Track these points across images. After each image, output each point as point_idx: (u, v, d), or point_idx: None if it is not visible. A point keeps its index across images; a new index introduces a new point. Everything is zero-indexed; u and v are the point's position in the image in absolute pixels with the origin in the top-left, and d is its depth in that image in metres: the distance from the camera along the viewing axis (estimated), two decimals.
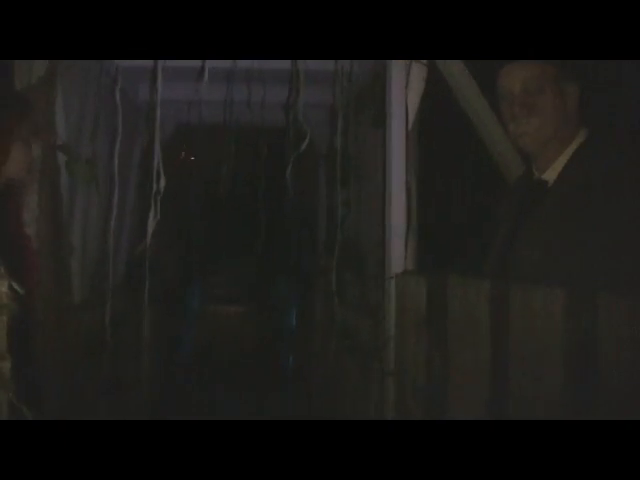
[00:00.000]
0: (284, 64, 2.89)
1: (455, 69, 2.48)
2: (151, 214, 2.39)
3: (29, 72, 2.30)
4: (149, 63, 2.67)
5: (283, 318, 6.18)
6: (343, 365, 3.27)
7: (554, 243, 1.83)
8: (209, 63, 2.75)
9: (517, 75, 1.95)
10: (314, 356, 4.56)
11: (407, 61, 2.48)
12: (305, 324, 5.26)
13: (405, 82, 2.48)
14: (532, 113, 1.93)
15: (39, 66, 2.32)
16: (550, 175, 1.97)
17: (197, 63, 2.69)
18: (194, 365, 5.89)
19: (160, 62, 2.47)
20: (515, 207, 2.09)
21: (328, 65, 2.87)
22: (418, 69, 2.49)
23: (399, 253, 2.43)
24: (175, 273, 5.65)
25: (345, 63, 2.90)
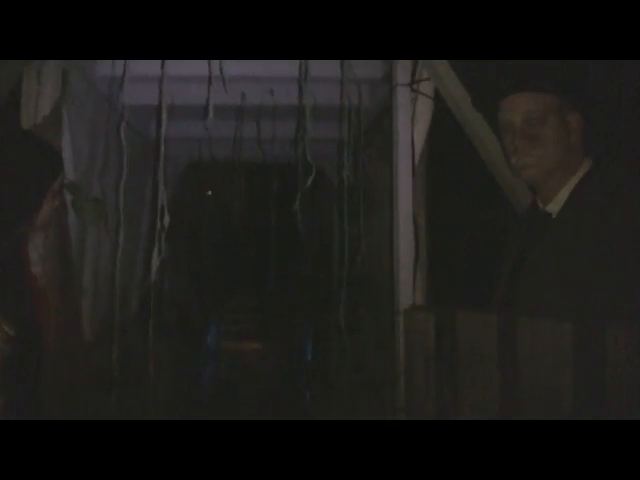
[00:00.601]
0: (292, 99, 2.91)
1: (461, 101, 2.48)
2: (155, 251, 2.38)
3: (35, 111, 2.33)
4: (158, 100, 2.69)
5: (299, 354, 6.16)
6: (357, 400, 3.25)
7: (560, 275, 1.81)
8: (216, 101, 2.76)
9: (518, 107, 1.95)
10: (330, 391, 4.54)
11: (413, 94, 2.50)
12: (321, 359, 5.24)
13: (411, 115, 2.49)
14: (534, 145, 1.92)
15: (44, 105, 2.35)
16: (554, 207, 1.96)
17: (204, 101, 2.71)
18: (214, 402, 5.88)
19: (165, 100, 2.48)
20: (520, 239, 2.08)
21: (336, 100, 2.88)
22: (424, 102, 2.51)
23: (407, 287, 2.41)
24: (191, 310, 5.65)
25: (353, 97, 2.91)
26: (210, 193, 5.89)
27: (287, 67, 2.73)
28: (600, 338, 1.44)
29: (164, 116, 2.46)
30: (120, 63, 2.62)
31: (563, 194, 1.93)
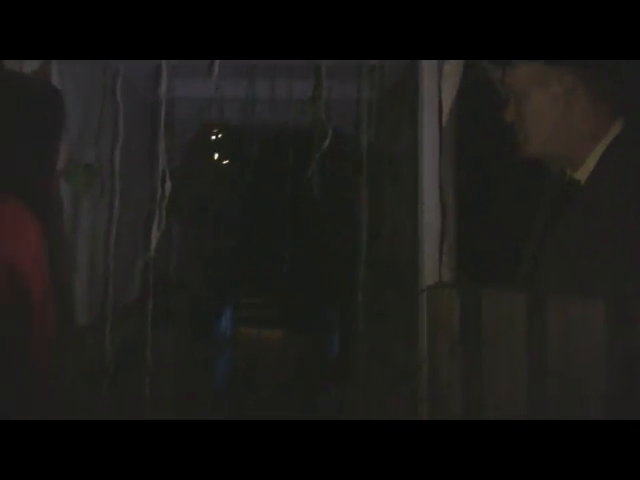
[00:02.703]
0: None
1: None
2: (155, 222, 2.39)
3: (19, 67, 2.33)
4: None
5: (322, 342, 6.19)
6: (384, 394, 3.29)
7: (586, 247, 1.85)
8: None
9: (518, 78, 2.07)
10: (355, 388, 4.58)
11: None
12: (345, 348, 5.28)
13: (439, 69, 2.51)
14: (541, 117, 2.02)
15: (32, 63, 2.35)
16: (582, 174, 2.00)
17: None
18: (230, 393, 5.93)
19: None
20: (547, 210, 2.12)
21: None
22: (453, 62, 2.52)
23: (433, 264, 2.45)
24: (203, 293, 5.69)
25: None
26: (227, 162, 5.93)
27: None
28: (634, 317, 1.47)
29: (164, 71, 2.47)
30: None
31: (592, 159, 1.98)
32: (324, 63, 2.64)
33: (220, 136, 5.21)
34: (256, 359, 6.51)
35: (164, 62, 2.48)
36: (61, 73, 2.60)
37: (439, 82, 2.51)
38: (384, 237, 3.13)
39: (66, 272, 2.69)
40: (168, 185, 2.38)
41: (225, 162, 5.82)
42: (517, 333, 1.82)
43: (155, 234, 2.37)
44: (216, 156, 5.62)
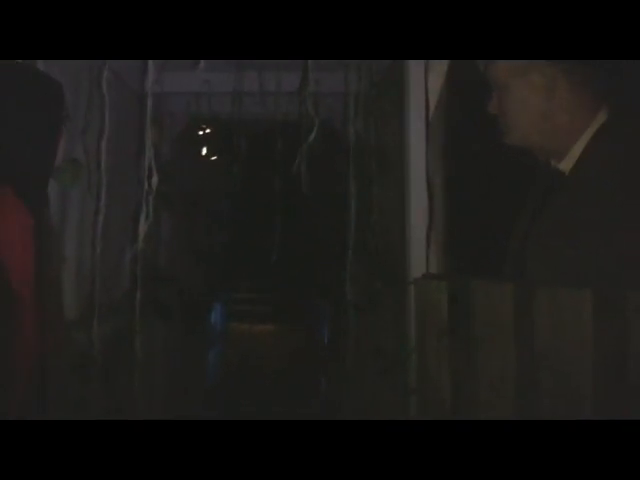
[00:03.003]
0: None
1: None
2: (142, 215, 2.38)
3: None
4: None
5: (314, 336, 6.21)
6: (376, 386, 3.29)
7: (572, 237, 1.85)
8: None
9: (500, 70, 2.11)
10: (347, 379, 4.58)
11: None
12: (335, 340, 5.28)
13: (425, 68, 2.51)
14: (523, 108, 2.05)
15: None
16: (567, 164, 2.02)
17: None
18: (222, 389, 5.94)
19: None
20: (533, 201, 2.13)
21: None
22: None
23: (421, 255, 2.45)
24: (193, 287, 5.70)
25: None
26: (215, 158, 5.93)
27: None
28: (621, 306, 1.48)
29: (150, 63, 2.46)
30: None
31: (577, 149, 1.99)
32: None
33: (208, 131, 5.22)
34: (248, 354, 6.53)
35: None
36: (47, 65, 2.59)
37: (425, 75, 2.52)
38: (373, 230, 3.12)
39: (54, 265, 2.69)
40: (155, 179, 2.37)
41: (213, 158, 5.83)
42: (505, 324, 1.83)
43: (142, 227, 2.36)
44: (204, 151, 5.62)
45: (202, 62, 2.49)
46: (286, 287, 6.76)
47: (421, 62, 2.51)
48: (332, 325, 5.93)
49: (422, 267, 2.45)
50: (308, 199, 3.29)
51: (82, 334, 2.86)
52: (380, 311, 3.05)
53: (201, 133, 5.31)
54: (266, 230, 4.45)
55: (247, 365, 6.42)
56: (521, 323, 1.78)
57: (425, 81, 2.52)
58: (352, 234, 3.06)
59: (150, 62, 2.49)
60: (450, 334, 2.15)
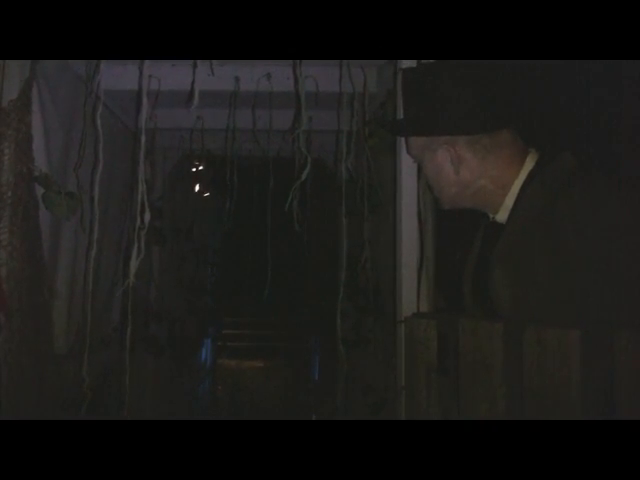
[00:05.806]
0: (292, 85, 2.96)
1: None
2: (134, 251, 2.38)
3: None
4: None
5: (305, 373, 6.19)
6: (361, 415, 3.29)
7: (519, 285, 1.97)
8: (207, 86, 2.82)
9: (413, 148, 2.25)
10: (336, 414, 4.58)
11: None
12: (328, 378, 5.28)
13: None
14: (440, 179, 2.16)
15: (11, 86, 2.35)
16: (502, 216, 2.10)
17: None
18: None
19: (145, 85, 2.51)
20: (476, 251, 2.26)
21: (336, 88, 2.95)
22: None
23: (411, 293, 2.46)
24: (183, 323, 5.69)
25: (358, 86, 2.97)
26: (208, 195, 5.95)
27: None
28: (608, 343, 1.50)
29: (144, 100, 2.48)
30: None
31: (509, 200, 2.07)
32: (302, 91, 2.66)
33: (201, 167, 5.25)
34: (237, 390, 6.50)
35: (145, 91, 2.49)
36: (41, 97, 2.60)
37: None
38: (364, 266, 3.14)
39: (45, 298, 2.69)
40: (147, 214, 2.38)
41: (206, 194, 5.85)
42: (493, 362, 1.84)
43: (134, 262, 2.37)
44: (197, 187, 5.65)
45: (196, 99, 2.51)
46: (277, 323, 6.75)
47: None
48: (322, 361, 5.93)
49: (413, 304, 2.45)
50: (300, 235, 3.30)
51: (73, 367, 2.86)
52: (372, 347, 3.06)
53: (194, 169, 5.34)
54: (258, 266, 4.47)
55: (236, 401, 6.40)
56: (509, 361, 1.79)
57: None
58: (343, 270, 3.08)
59: (144, 96, 2.50)
60: (439, 374, 2.15)
